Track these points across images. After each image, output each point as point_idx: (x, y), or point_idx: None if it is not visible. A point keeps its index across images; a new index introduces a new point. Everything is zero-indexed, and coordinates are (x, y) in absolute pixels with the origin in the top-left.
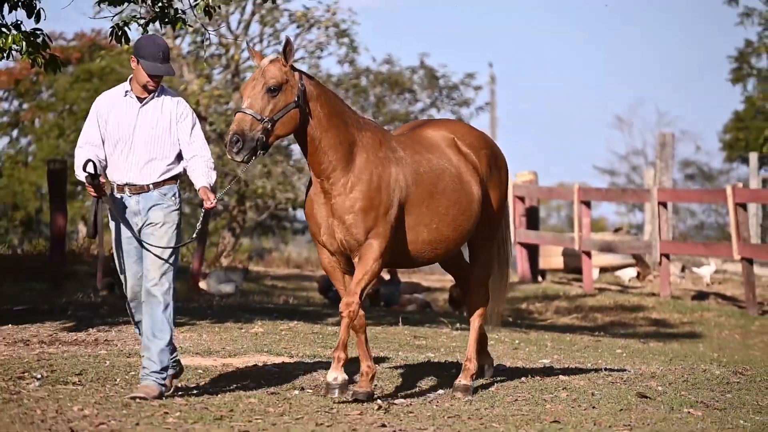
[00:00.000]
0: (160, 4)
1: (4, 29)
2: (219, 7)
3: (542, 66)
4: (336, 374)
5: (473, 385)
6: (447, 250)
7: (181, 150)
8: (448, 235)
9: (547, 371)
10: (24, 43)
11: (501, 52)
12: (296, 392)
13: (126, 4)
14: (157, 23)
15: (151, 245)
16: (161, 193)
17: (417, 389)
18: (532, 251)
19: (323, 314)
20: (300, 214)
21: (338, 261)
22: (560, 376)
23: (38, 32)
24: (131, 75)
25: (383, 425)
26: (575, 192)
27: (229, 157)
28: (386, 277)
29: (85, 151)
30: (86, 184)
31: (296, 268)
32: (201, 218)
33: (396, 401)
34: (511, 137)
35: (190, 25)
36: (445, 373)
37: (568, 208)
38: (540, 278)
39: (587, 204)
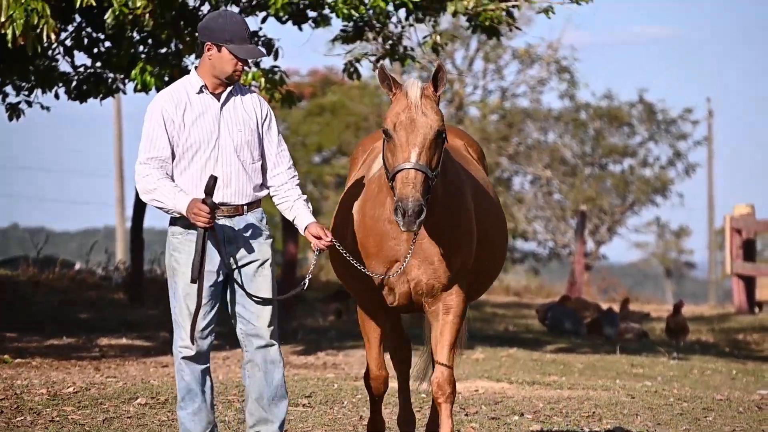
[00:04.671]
0: (390, 42)
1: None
2: (446, 44)
3: (760, 100)
4: None
5: None
6: (483, 287)
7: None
8: (487, 268)
9: (766, 402)
10: (263, 79)
11: (719, 86)
12: (516, 417)
13: (358, 42)
14: (387, 60)
15: (251, 292)
16: (257, 218)
17: (633, 417)
18: (749, 283)
19: (542, 341)
20: (519, 242)
21: (382, 299)
22: None
23: (276, 69)
24: (195, 66)
25: None
26: None
27: (404, 228)
28: (604, 306)
29: (152, 168)
30: (196, 212)
31: (515, 296)
32: (313, 262)
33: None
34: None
35: (418, 62)
36: (663, 402)
37: None
38: (757, 309)
39: None
